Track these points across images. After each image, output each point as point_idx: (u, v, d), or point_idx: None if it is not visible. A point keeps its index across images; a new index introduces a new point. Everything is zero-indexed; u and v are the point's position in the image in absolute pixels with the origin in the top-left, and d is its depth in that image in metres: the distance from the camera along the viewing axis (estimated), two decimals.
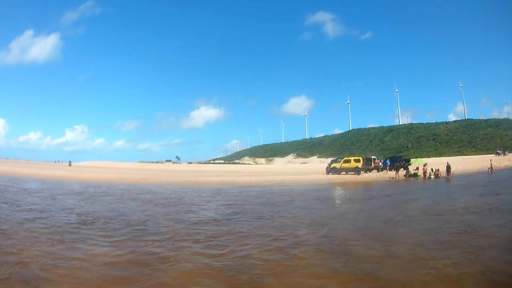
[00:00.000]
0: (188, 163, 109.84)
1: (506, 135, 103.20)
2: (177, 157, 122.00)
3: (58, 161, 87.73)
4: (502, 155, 62.93)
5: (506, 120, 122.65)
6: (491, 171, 29.76)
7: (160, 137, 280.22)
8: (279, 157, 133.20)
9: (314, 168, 50.76)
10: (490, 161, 31.39)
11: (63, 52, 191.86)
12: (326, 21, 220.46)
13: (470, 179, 25.92)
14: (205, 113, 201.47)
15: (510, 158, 48.23)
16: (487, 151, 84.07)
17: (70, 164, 63.39)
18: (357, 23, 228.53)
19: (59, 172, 37.02)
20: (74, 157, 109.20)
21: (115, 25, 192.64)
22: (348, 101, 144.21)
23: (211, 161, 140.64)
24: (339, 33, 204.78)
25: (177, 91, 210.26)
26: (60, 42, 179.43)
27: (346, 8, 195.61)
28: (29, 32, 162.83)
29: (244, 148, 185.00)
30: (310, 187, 24.61)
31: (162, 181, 29.61)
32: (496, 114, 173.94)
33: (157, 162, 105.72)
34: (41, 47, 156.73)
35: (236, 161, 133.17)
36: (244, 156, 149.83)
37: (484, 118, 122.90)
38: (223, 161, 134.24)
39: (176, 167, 77.62)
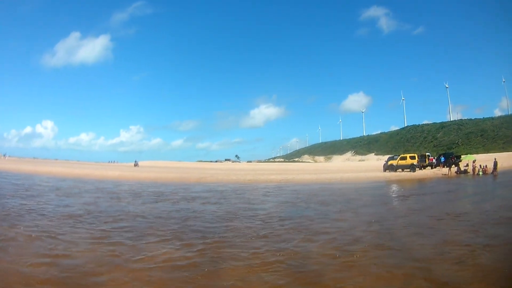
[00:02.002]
0: (248, 161, 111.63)
1: None
2: (236, 156, 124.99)
3: (112, 161, 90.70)
4: None
5: None
6: None
7: (220, 136, 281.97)
8: (337, 154, 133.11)
9: (372, 166, 50.46)
10: None
11: (114, 53, 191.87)
12: (380, 16, 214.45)
13: (509, 176, 26.49)
14: (264, 111, 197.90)
15: None
16: None
17: (136, 164, 62.13)
18: (408, 18, 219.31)
19: (127, 172, 36.41)
20: (129, 158, 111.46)
21: (168, 24, 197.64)
22: (403, 98, 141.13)
23: (271, 160, 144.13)
24: (392, 28, 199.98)
25: (237, 90, 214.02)
26: (110, 43, 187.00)
27: (397, 2, 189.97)
28: (76, 34, 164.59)
29: (303, 146, 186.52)
30: (368, 184, 24.79)
31: (222, 180, 29.41)
32: None
33: (216, 161, 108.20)
34: (90, 48, 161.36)
35: (296, 159, 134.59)
36: (304, 154, 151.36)
37: None
38: (283, 160, 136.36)
39: (236, 166, 79.07)
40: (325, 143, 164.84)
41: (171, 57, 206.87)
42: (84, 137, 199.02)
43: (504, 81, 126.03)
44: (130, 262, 6.14)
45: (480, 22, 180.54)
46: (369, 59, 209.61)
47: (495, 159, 30.74)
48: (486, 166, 30.05)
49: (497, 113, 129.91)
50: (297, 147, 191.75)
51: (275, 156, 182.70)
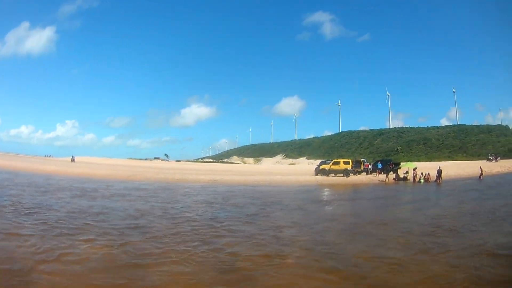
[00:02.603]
0: (177, 161, 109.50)
1: (499, 141, 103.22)
2: (165, 154, 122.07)
3: (48, 156, 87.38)
4: (494, 161, 62.38)
5: (499, 126, 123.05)
6: (481, 177, 29.57)
7: (151, 134, 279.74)
8: (267, 157, 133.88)
9: (303, 169, 50.68)
10: (480, 168, 31.18)
11: (58, 46, 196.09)
12: (324, 22, 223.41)
13: (458, 184, 26.01)
14: (196, 111, 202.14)
15: (502, 164, 48.11)
16: (479, 157, 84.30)
17: (73, 160, 61.72)
18: (355, 25, 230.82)
19: (63, 168, 36.89)
20: (64, 152, 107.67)
21: (111, 19, 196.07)
22: (339, 103, 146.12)
23: (200, 160, 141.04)
24: (336, 34, 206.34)
25: (170, 88, 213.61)
26: (55, 35, 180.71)
27: (345, 9, 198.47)
28: (26, 24, 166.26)
29: (232, 147, 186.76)
30: (296, 188, 24.53)
31: (150, 178, 29.50)
32: (489, 120, 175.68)
33: (145, 159, 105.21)
34: (36, 39, 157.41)
35: (225, 160, 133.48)
36: (233, 156, 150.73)
37: (477, 124, 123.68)
38: (212, 160, 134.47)
39: (165, 164, 76.90)
40: (255, 145, 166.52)
41: (109, 52, 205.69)
42: (24, 130, 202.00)
43: (454, 91, 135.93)
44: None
45: (432, 32, 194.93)
46: (307, 64, 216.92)
47: (439, 167, 30.27)
48: (428, 174, 29.51)
49: (444, 122, 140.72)
50: (227, 148, 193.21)
51: (204, 156, 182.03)
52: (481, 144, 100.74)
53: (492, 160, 64.03)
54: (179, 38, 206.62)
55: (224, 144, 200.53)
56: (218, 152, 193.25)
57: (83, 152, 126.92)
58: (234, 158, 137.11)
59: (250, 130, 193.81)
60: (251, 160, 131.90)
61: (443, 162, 63.40)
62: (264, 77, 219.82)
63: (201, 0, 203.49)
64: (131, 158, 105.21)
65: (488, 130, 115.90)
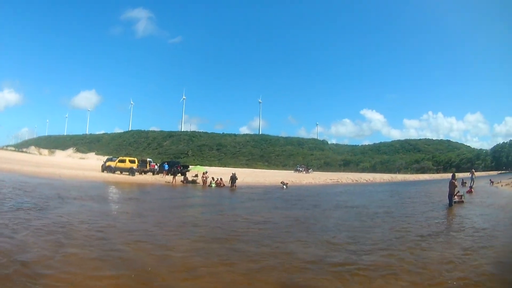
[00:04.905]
0: None
1: (312, 154, 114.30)
2: None
3: None
4: (304, 172, 65.73)
5: (313, 140, 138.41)
6: (286, 186, 29.47)
7: None
8: (61, 149, 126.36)
9: (93, 165, 48.90)
10: (282, 182, 30.28)
11: None
12: (141, 19, 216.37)
13: (257, 191, 25.27)
14: (5, 97, 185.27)
15: (314, 176, 51.10)
16: (284, 167, 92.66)
17: None
18: (169, 26, 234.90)
19: None
20: None
21: None
22: (132, 102, 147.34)
23: (4, 148, 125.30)
24: (148, 33, 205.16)
25: None
26: None
27: (164, 8, 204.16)
28: None
29: (32, 137, 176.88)
30: (85, 184, 23.41)
31: None
32: (303, 133, 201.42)
33: None
34: None
35: (24, 149, 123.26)
36: (31, 145, 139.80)
37: (285, 136, 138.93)
38: (14, 149, 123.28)
39: None
40: (51, 136, 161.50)
41: None
42: None
43: (260, 102, 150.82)
44: None
45: (240, 45, 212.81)
46: (110, 58, 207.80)
47: (234, 173, 29.47)
48: (221, 179, 28.90)
49: (244, 131, 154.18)
50: (27, 137, 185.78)
51: (8, 144, 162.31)
52: (287, 155, 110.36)
53: (301, 171, 67.19)
54: None
55: (25, 133, 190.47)
56: (19, 141, 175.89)
57: None
58: (32, 149, 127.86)
59: (47, 121, 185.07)
60: (46, 151, 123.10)
61: (240, 169, 66.26)
62: (66, 67, 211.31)
63: None
64: None
65: (299, 142, 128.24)
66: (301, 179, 40.82)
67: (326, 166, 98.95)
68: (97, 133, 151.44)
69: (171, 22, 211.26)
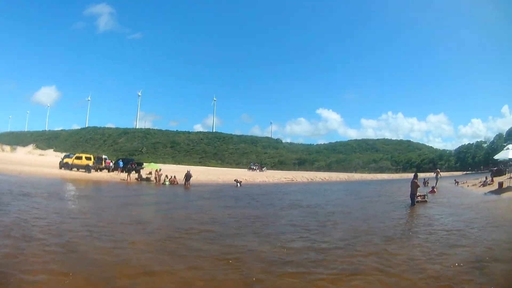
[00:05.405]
0: None
1: (266, 152, 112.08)
2: None
3: None
4: (257, 170, 64.78)
5: (267, 138, 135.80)
6: (239, 184, 29.46)
7: None
8: (22, 146, 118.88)
9: (52, 162, 47.58)
10: (236, 180, 30.23)
11: None
12: (103, 14, 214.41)
13: (210, 189, 25.38)
14: None
15: (269, 174, 50.17)
16: (237, 165, 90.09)
17: None
18: (130, 22, 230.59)
19: None
20: None
21: None
22: (89, 98, 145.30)
23: None
24: (109, 28, 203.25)
25: None
26: None
27: (126, 5, 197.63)
28: None
29: None
30: (44, 180, 23.77)
31: None
32: (257, 131, 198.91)
33: None
34: None
35: None
36: None
37: (239, 134, 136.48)
38: None
39: None
40: (13, 132, 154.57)
41: None
42: None
43: (215, 100, 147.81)
44: None
45: (196, 43, 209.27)
46: (72, 54, 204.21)
47: (188, 171, 29.49)
48: (174, 176, 29.04)
49: (198, 128, 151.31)
50: None
51: None
52: (241, 153, 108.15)
53: (255, 169, 66.08)
54: None
55: None
56: None
57: None
58: None
59: (10, 117, 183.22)
60: (8, 148, 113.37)
61: (194, 166, 64.76)
62: (28, 62, 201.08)
63: None
64: None
65: (253, 141, 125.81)
66: (255, 178, 40.75)
67: (280, 164, 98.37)
68: (56, 129, 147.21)
69: (132, 18, 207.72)
